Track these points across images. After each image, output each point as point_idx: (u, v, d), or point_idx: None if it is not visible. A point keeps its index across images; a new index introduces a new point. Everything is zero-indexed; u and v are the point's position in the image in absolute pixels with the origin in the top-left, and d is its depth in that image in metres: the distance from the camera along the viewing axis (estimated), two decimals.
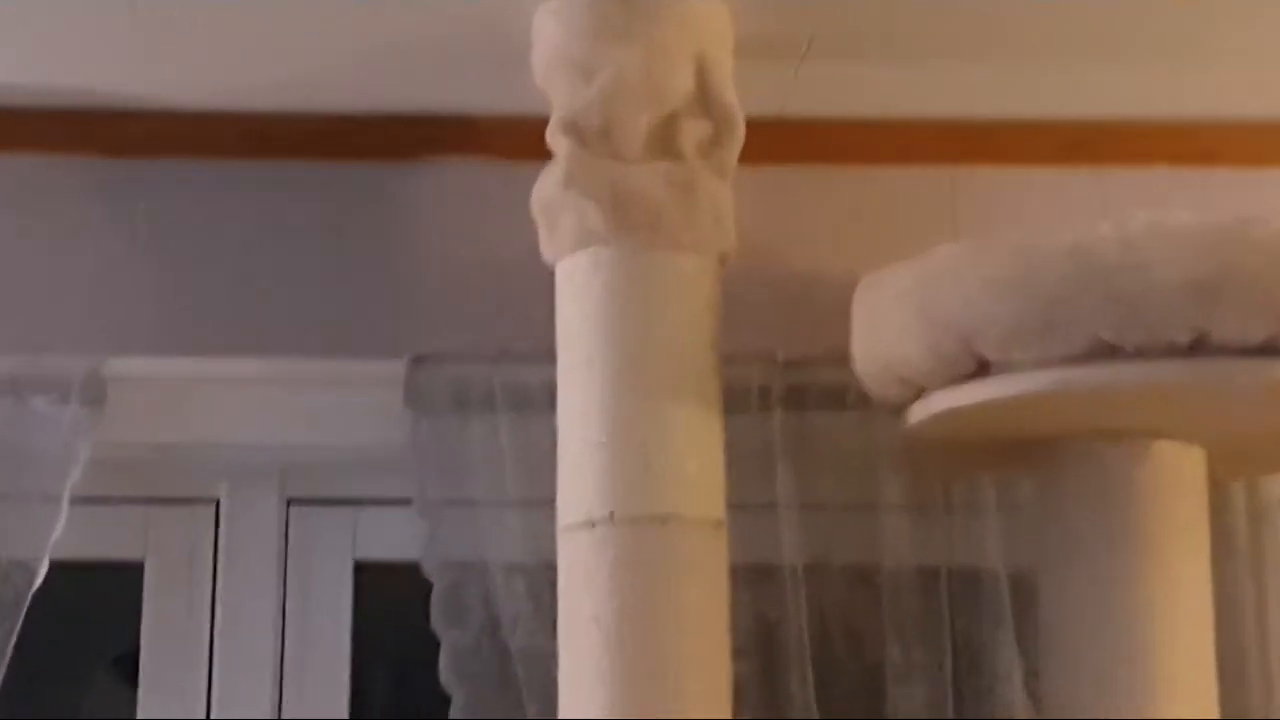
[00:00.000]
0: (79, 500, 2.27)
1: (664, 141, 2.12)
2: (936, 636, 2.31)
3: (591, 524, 2.04)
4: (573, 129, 2.11)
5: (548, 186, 2.12)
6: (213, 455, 2.40)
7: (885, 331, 2.07)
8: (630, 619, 2.01)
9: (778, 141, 2.42)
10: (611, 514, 2.03)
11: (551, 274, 2.14)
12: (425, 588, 2.33)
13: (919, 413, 2.08)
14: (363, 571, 2.47)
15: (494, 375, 2.33)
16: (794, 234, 2.47)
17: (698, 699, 2.02)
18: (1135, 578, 2.06)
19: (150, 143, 2.46)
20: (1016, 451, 2.15)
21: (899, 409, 2.12)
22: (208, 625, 2.43)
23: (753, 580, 2.29)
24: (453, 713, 2.29)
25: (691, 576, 2.04)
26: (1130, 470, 2.07)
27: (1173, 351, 1.91)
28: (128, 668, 2.45)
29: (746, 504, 2.18)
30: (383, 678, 2.54)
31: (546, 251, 2.15)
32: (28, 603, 2.25)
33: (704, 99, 2.13)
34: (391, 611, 2.49)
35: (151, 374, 2.36)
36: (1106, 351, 1.93)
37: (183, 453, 2.39)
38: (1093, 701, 2.06)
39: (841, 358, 2.16)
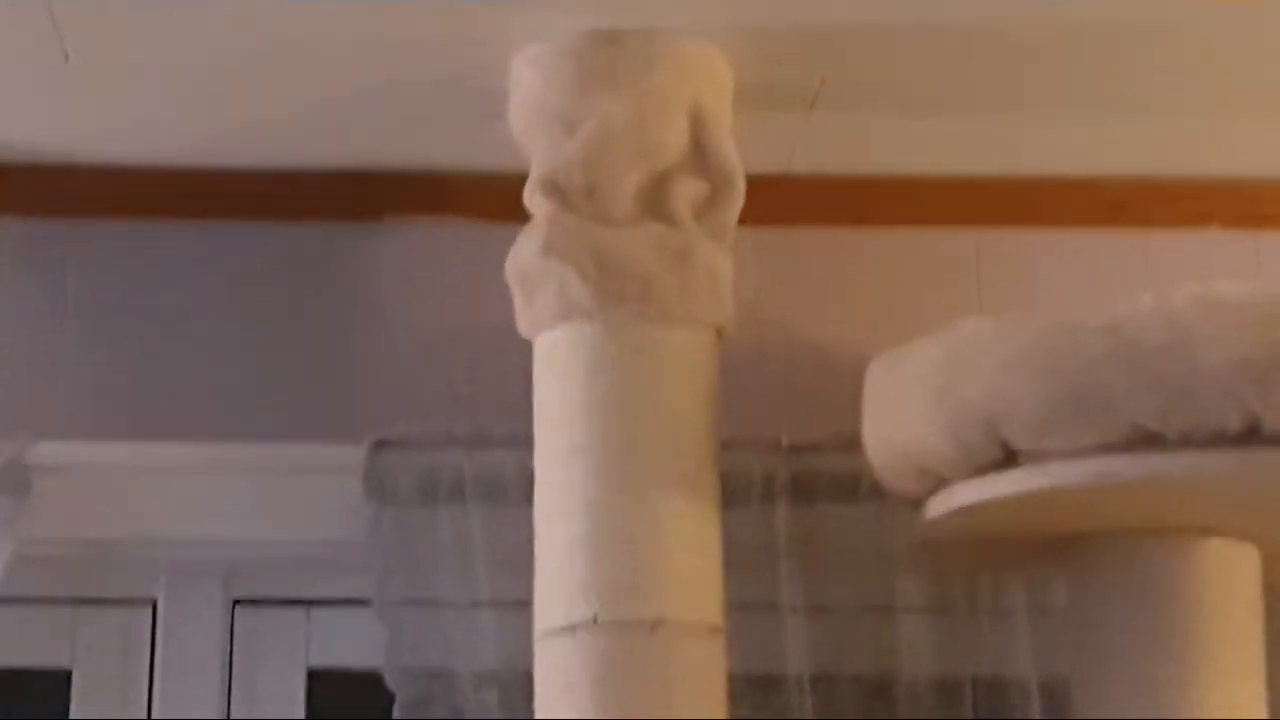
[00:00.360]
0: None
1: (655, 202, 2.11)
2: None
3: (573, 629, 2.03)
4: (553, 188, 2.11)
5: (525, 252, 2.12)
6: (150, 551, 2.39)
7: (901, 416, 2.06)
8: None
9: (782, 201, 2.42)
10: (595, 618, 2.02)
11: (529, 348, 2.13)
12: (387, 698, 2.31)
13: (939, 506, 2.07)
14: (316, 680, 2.45)
15: (465, 462, 2.32)
16: (800, 304, 2.46)
17: None
18: (1181, 690, 2.05)
19: (83, 201, 2.45)
20: (1048, 549, 2.14)
21: (917, 502, 2.10)
22: None
23: (754, 692, 2.28)
24: None
25: (685, 688, 2.03)
26: (1175, 570, 2.06)
27: (1222, 440, 1.90)
28: None
29: (747, 607, 2.18)
30: None
31: (524, 324, 2.14)
32: None
33: (700, 155, 2.13)
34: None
35: (81, 461, 2.34)
36: (1148, 440, 1.92)
37: (116, 549, 2.38)
38: None
39: (853, 444, 2.15)
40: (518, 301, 2.14)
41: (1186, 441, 1.91)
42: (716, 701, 2.06)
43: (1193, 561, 2.07)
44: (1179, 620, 2.06)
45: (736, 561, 2.13)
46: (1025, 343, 1.97)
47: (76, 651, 2.43)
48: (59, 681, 2.42)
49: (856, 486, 2.27)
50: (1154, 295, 1.96)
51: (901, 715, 2.31)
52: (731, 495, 2.16)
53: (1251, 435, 1.90)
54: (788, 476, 2.33)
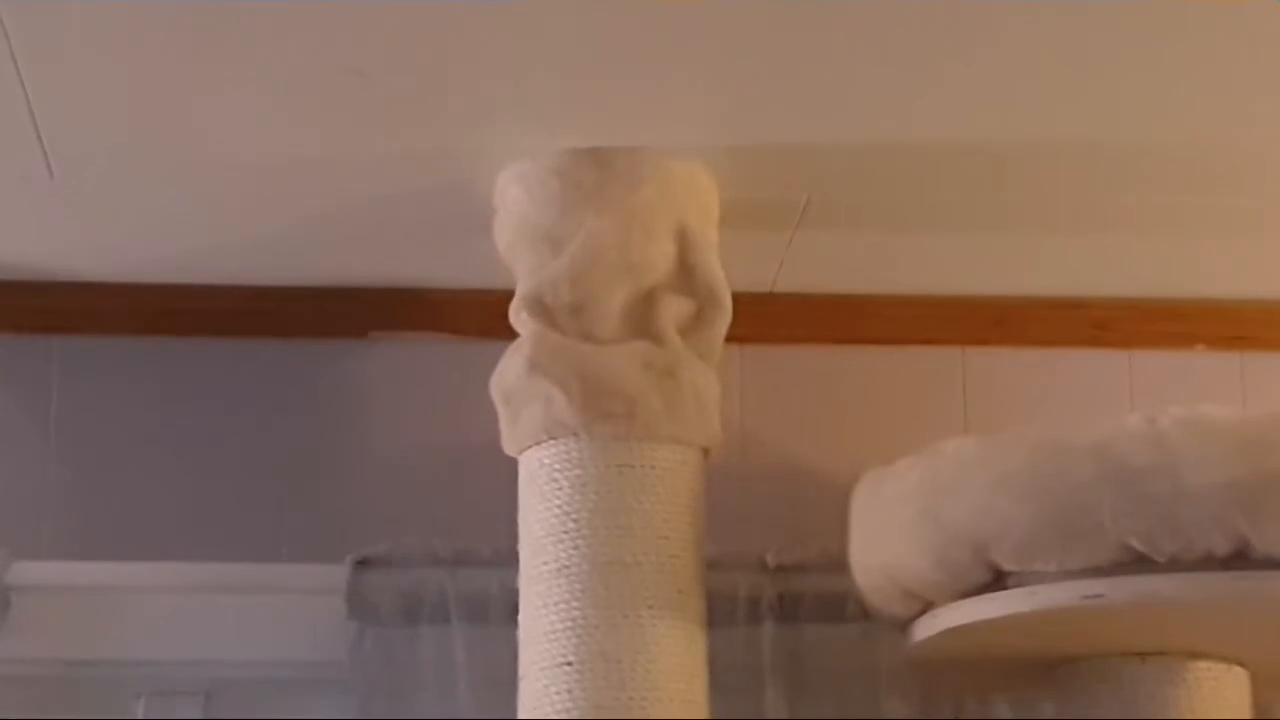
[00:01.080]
0: None
1: (641, 320, 2.09)
2: None
3: None
4: (539, 306, 2.08)
5: (510, 370, 2.09)
6: (129, 671, 2.34)
7: (887, 537, 2.03)
8: None
9: (769, 319, 2.41)
10: None
11: (514, 466, 2.10)
12: None
13: (926, 628, 2.03)
14: None
15: (448, 581, 2.29)
16: (786, 422, 2.44)
17: None
18: None
19: (66, 317, 2.43)
20: (1035, 670, 2.10)
21: (904, 623, 2.07)
22: None
23: None
24: None
25: None
26: (1164, 692, 2.03)
27: (1211, 563, 1.87)
28: None
29: None
30: None
31: (508, 442, 2.11)
32: None
33: (686, 273, 2.11)
34: None
35: (61, 580, 2.31)
36: (1137, 562, 1.89)
37: (95, 669, 2.33)
38: None
39: (839, 563, 2.12)
40: (503, 419, 2.11)
41: (1175, 564, 1.88)
42: None
43: (1182, 684, 2.03)
44: None
45: (722, 682, 2.10)
46: (1011, 463, 1.94)
47: None
48: None
49: (843, 606, 2.25)
50: (1140, 416, 1.94)
51: None
52: (717, 615, 2.12)
53: (1240, 558, 1.88)
54: (774, 597, 2.30)
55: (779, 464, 2.42)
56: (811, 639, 2.29)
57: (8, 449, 2.41)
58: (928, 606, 2.03)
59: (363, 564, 2.30)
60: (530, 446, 2.08)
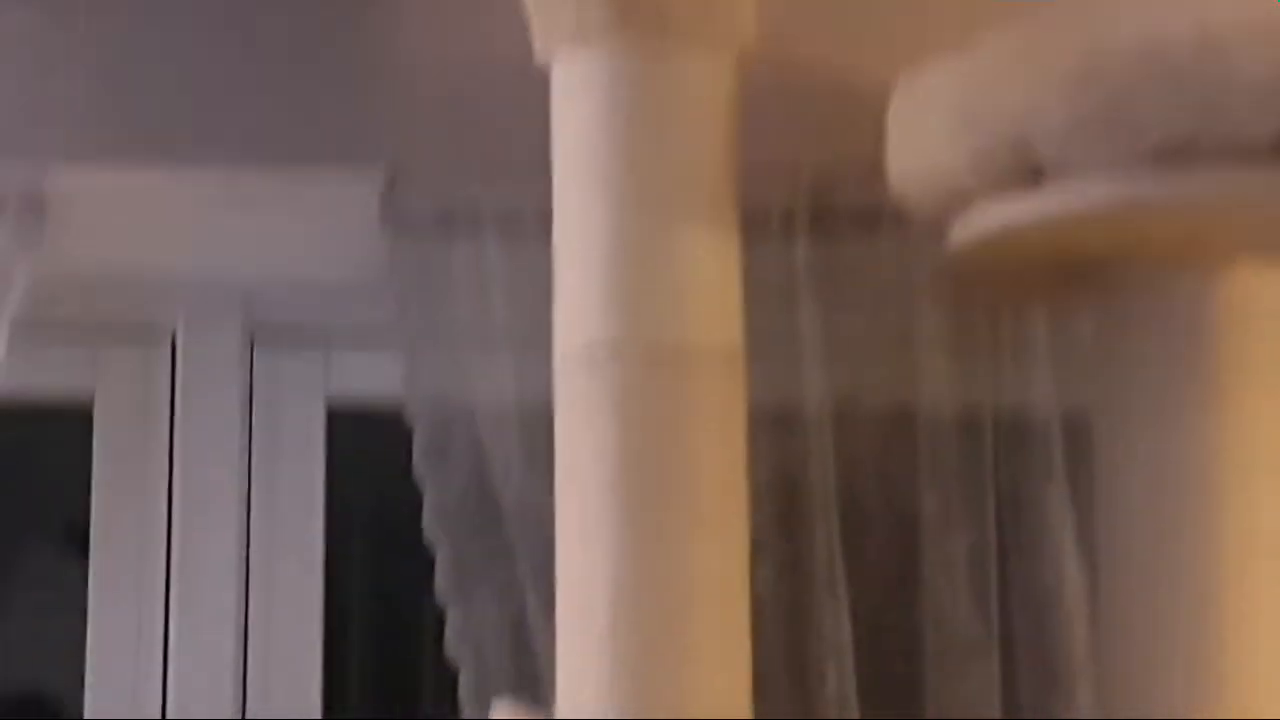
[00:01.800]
0: (20, 333, 2.20)
1: None
2: (979, 487, 2.26)
3: (592, 358, 1.96)
4: None
5: None
6: (167, 277, 2.34)
7: (925, 138, 1.98)
8: (636, 463, 1.94)
9: None
10: (615, 346, 1.95)
11: (547, 78, 2.04)
12: (406, 438, 2.26)
13: (962, 233, 1.99)
14: (336, 420, 2.41)
15: (481, 194, 2.27)
16: (823, 25, 2.37)
17: (711, 552, 1.95)
18: (1205, 420, 1.98)
19: None
20: (1073, 278, 2.06)
21: (938, 231, 2.03)
22: (165, 478, 2.37)
23: (773, 426, 2.23)
24: (438, 569, 2.24)
25: (705, 413, 1.97)
26: (1203, 296, 1.99)
27: (1256, 152, 1.81)
28: (77, 536, 2.39)
29: (766, 343, 2.11)
30: (359, 532, 2.49)
31: (540, 49, 2.06)
32: None
33: None
34: (368, 460, 2.44)
35: (98, 186, 2.27)
36: (1179, 155, 1.83)
37: (133, 276, 2.33)
38: (1152, 555, 1.98)
39: (875, 173, 2.07)
40: (534, 25, 2.06)
41: (1219, 156, 1.83)
42: (736, 428, 2.00)
43: (1221, 287, 1.99)
44: (1205, 346, 1.99)
45: (756, 298, 2.06)
46: (1054, 61, 1.89)
47: (96, 384, 2.38)
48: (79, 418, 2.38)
49: (878, 219, 2.22)
50: (1190, 15, 1.88)
51: (921, 450, 2.26)
52: (751, 231, 2.08)
53: None
54: (808, 211, 2.28)
55: (815, 69, 2.36)
56: (846, 252, 2.27)
57: (41, 54, 2.34)
58: (965, 211, 1.99)
59: (395, 177, 2.27)
60: (562, 54, 2.02)
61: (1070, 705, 2.24)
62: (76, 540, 2.41)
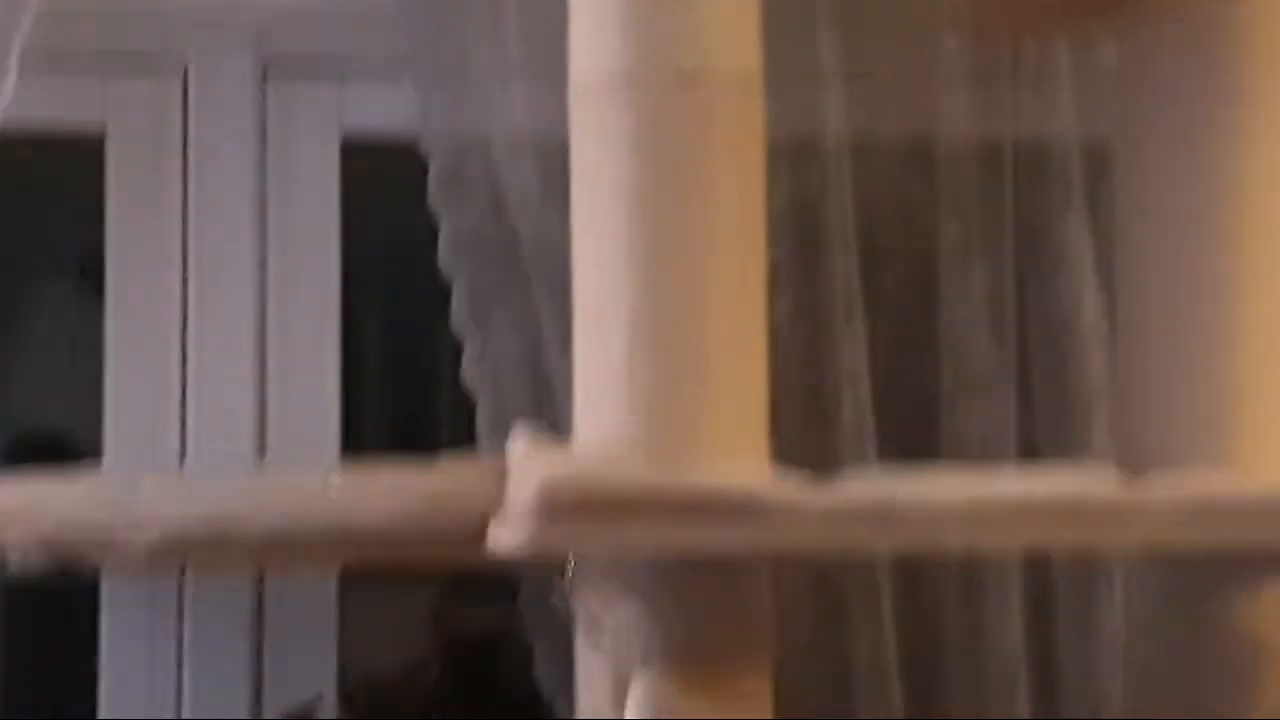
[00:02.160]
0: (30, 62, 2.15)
1: None
2: (997, 217, 2.24)
3: (609, 83, 1.92)
4: None
5: None
6: (180, 10, 2.29)
7: None
8: (653, 190, 1.91)
9: None
10: (632, 72, 1.89)
11: None
12: (420, 171, 2.23)
13: None
14: (350, 153, 2.38)
15: None
16: None
17: (729, 278, 1.93)
18: (1228, 147, 1.94)
19: None
20: (1097, 7, 2.01)
21: None
22: (179, 213, 2.35)
23: (790, 158, 2.20)
24: (454, 299, 2.23)
25: (722, 138, 1.93)
26: (1229, 22, 1.93)
27: None
28: (92, 270, 2.37)
29: (783, 73, 2.06)
30: (376, 266, 2.48)
31: None
32: None
33: None
34: (383, 193, 2.41)
35: None
36: None
37: (147, 7, 2.28)
38: (1171, 284, 1.96)
39: None
40: None
41: None
42: (754, 154, 1.96)
43: (1247, 11, 1.93)
44: (1230, 72, 1.94)
45: (773, 27, 2.02)
46: None
47: (108, 117, 2.34)
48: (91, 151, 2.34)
49: None
50: None
51: (940, 180, 2.24)
52: None
53: None
54: None
55: None
56: None
57: None
58: None
59: None
60: None
61: (1087, 433, 2.24)
62: (91, 275, 2.39)
